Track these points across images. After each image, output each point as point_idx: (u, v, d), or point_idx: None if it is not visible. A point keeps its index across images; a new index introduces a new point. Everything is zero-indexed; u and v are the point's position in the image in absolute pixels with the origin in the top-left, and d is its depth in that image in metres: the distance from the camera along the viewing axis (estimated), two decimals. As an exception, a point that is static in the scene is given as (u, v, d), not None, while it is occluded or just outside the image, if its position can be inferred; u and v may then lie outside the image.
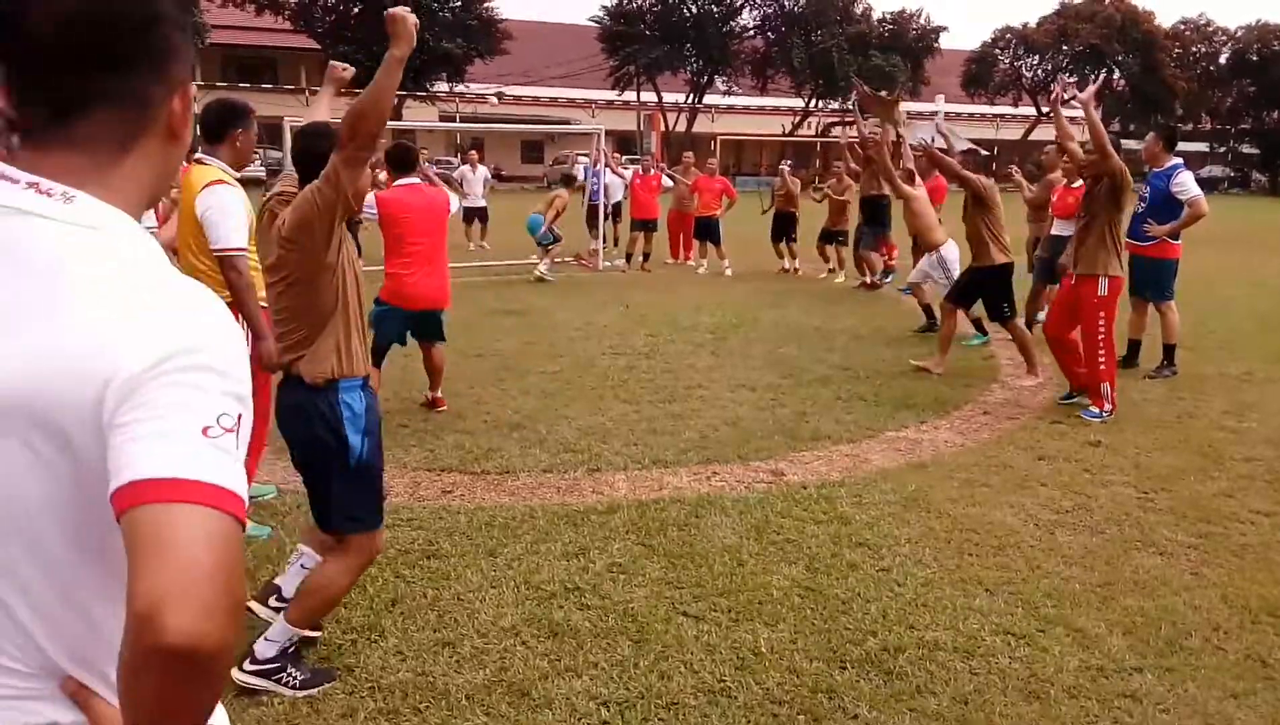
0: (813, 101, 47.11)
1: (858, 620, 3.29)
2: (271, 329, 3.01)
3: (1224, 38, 53.47)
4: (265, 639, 2.82)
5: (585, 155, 19.45)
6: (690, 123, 44.53)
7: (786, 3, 45.49)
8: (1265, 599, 3.50)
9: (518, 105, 46.88)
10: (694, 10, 44.68)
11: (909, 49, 46.81)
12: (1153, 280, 7.15)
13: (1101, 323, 5.89)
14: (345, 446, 2.73)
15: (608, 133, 16.65)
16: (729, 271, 12.92)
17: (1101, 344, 5.91)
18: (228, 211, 3.61)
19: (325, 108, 3.44)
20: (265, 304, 3.92)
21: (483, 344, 7.87)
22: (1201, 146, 56.66)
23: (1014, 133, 49.34)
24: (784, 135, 45.00)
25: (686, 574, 3.63)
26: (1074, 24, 48.57)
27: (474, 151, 16.40)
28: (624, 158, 21.24)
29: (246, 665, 2.79)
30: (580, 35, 47.66)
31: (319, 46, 39.88)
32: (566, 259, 13.38)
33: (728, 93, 48.17)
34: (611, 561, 3.71)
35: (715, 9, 44.77)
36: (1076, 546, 3.97)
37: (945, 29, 47.97)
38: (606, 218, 14.20)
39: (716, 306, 10.14)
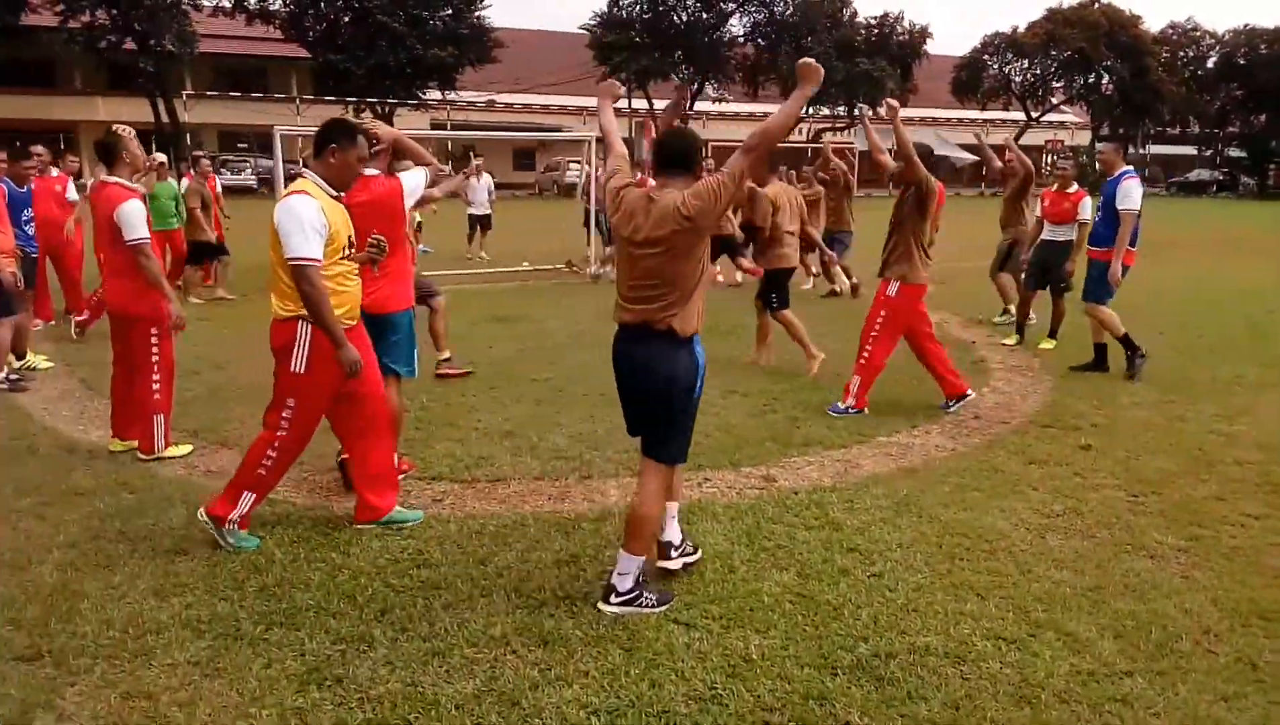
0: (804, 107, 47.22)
1: (849, 626, 3.29)
2: (626, 295, 3.36)
3: (1211, 42, 53.93)
4: (618, 574, 3.34)
5: (577, 162, 19.37)
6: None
7: (776, 10, 45.66)
8: (1256, 602, 3.50)
9: (509, 112, 46.94)
10: (684, 18, 44.82)
11: (895, 53, 46.99)
12: (1089, 282, 7.17)
13: (880, 320, 5.98)
14: (696, 388, 3.34)
15: (599, 140, 16.64)
16: (720, 278, 12.92)
17: (869, 341, 6.00)
18: (300, 221, 3.60)
19: (611, 118, 3.77)
20: (350, 321, 3.86)
21: (475, 352, 7.85)
22: (1189, 150, 56.96)
23: (1004, 137, 49.68)
24: (775, 141, 45.10)
25: (678, 581, 3.62)
26: (1062, 29, 48.90)
27: (479, 161, 16.36)
28: None
29: (612, 599, 3.32)
30: (571, 43, 47.79)
31: (310, 55, 39.88)
32: (559, 266, 13.36)
33: (719, 99, 48.29)
34: (603, 569, 3.69)
35: (705, 16, 44.92)
36: (1067, 550, 3.98)
37: (929, 31, 48.13)
38: (597, 224, 14.22)
39: (708, 313, 10.12)
